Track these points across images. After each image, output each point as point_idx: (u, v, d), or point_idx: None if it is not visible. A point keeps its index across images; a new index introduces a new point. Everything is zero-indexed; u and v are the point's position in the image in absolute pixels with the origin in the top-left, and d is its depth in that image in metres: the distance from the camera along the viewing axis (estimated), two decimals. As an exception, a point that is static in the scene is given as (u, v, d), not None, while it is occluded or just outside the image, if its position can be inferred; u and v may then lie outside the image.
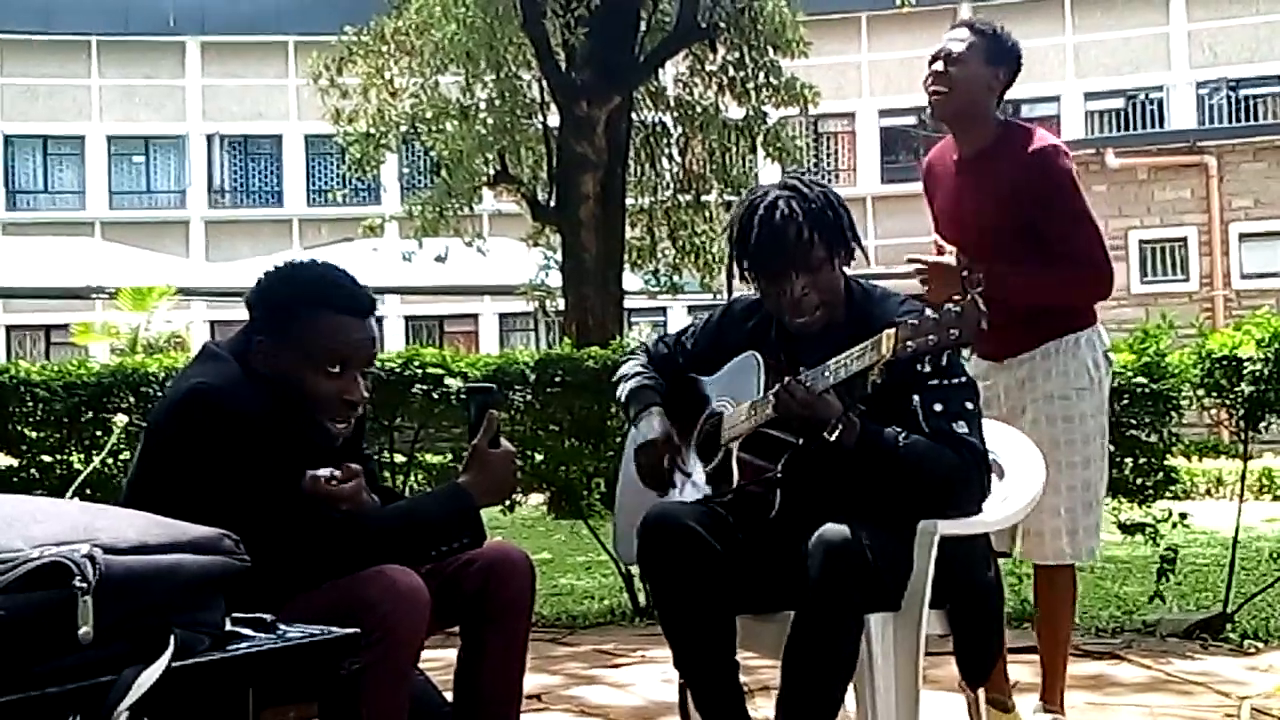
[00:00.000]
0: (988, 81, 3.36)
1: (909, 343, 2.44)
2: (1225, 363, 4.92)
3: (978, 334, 2.41)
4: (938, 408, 2.62)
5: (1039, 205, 3.31)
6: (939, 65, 3.36)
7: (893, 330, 2.47)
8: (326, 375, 2.41)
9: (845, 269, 2.78)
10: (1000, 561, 3.42)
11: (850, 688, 2.62)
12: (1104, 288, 3.39)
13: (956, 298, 2.49)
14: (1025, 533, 3.46)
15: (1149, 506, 5.20)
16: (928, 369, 2.47)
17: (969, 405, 2.68)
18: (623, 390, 3.01)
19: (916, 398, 2.62)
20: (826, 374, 2.58)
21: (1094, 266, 3.36)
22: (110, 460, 5.73)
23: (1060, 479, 3.33)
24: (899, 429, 2.61)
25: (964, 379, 2.70)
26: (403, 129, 15.49)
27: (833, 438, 2.56)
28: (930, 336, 2.43)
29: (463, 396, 2.56)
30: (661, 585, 2.69)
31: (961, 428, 2.63)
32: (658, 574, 2.68)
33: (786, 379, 2.59)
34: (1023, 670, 4.19)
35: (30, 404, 6.03)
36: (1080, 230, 3.35)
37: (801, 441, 2.66)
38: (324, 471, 2.42)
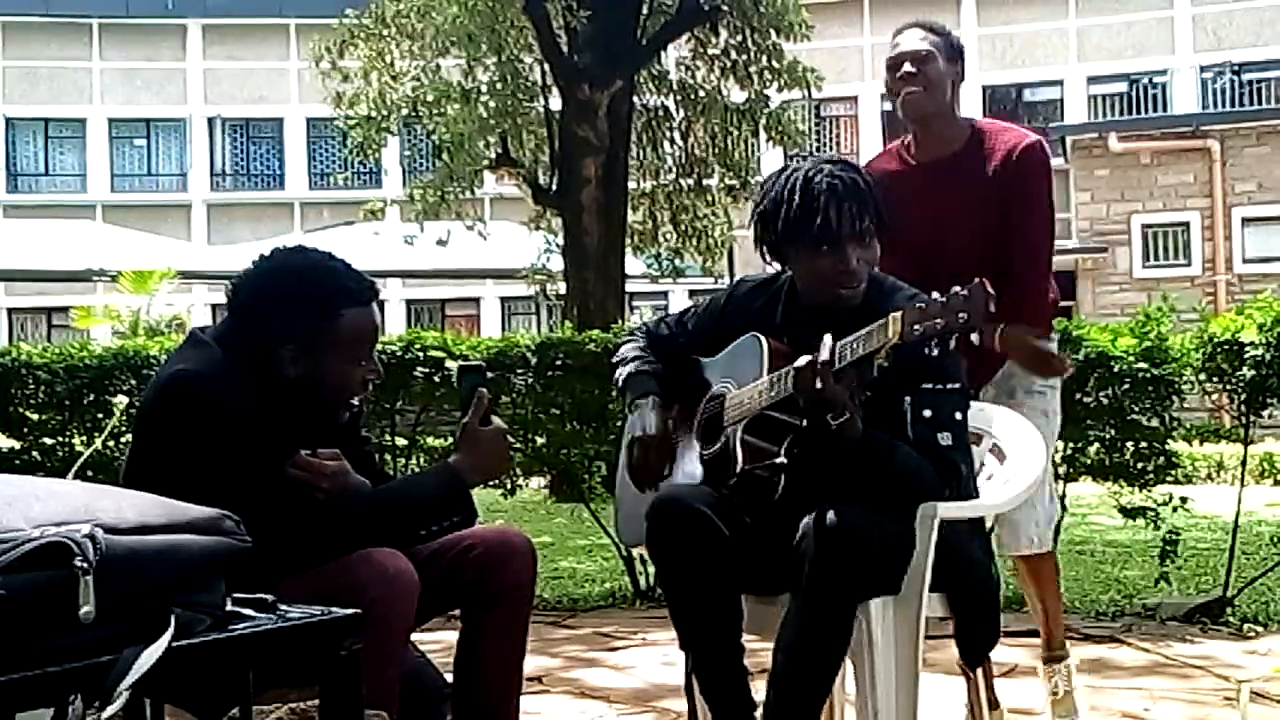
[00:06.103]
0: (951, 78, 3.35)
1: (916, 326, 2.41)
2: (1227, 347, 4.92)
3: (985, 317, 2.39)
4: (927, 413, 2.61)
5: (1018, 201, 3.31)
6: (909, 66, 3.31)
7: (900, 314, 2.44)
8: (357, 364, 2.51)
9: None
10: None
11: (850, 670, 2.63)
12: (1049, 308, 3.49)
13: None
14: (1001, 523, 3.47)
15: (1150, 491, 5.20)
16: (934, 353, 2.44)
17: (958, 415, 2.66)
18: (620, 374, 2.99)
19: (908, 399, 2.61)
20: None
21: (1038, 293, 3.40)
22: (111, 442, 5.74)
23: None
24: (890, 436, 2.59)
25: (959, 384, 2.67)
26: (404, 112, 15.44)
27: (835, 424, 2.54)
28: (938, 320, 2.40)
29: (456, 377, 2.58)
30: (670, 568, 2.68)
31: (945, 439, 2.62)
32: (666, 556, 2.68)
33: (812, 356, 2.53)
34: (1021, 654, 4.20)
35: (32, 386, 6.05)
36: (1041, 255, 3.39)
37: (805, 423, 2.65)
38: (304, 452, 2.45)
